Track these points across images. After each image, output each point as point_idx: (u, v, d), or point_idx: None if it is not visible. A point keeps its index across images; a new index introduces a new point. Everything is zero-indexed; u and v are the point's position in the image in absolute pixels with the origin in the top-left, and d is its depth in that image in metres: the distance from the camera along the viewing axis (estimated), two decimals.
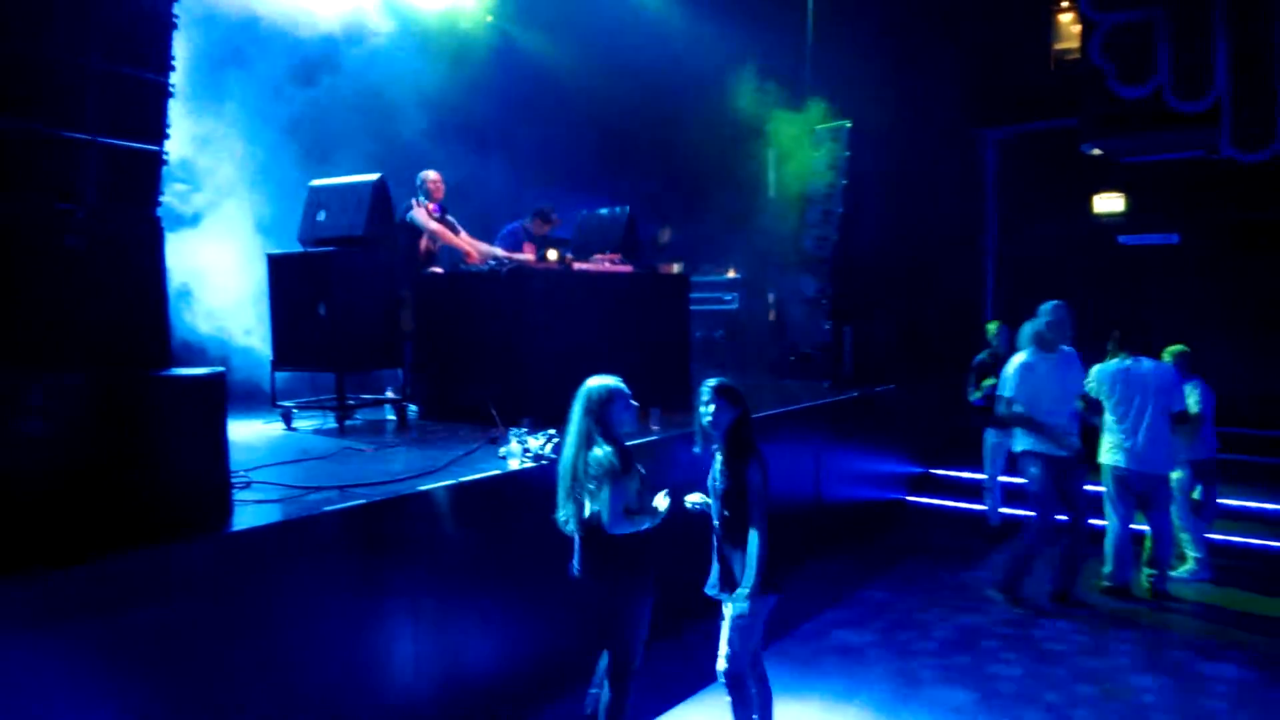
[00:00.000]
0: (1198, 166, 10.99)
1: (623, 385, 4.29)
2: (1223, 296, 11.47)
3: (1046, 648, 6.04)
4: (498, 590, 4.97)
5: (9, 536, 3.37)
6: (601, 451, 4.09)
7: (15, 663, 3.14)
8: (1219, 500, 7.59)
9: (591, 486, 4.09)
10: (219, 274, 7.85)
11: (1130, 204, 12.33)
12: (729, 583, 4.27)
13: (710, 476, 4.36)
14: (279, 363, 7.26)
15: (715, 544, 4.34)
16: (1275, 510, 8.50)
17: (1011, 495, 8.92)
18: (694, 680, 5.27)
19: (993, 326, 8.87)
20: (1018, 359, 6.75)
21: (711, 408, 4.27)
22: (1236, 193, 11.24)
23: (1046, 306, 6.71)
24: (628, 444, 4.34)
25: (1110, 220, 12.56)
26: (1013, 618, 6.58)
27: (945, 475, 10.27)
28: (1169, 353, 7.23)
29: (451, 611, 4.73)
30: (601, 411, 4.18)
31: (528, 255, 7.46)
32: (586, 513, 4.12)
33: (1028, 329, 6.86)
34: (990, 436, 8.73)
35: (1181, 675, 5.64)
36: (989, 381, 8.35)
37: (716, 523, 4.30)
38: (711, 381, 4.34)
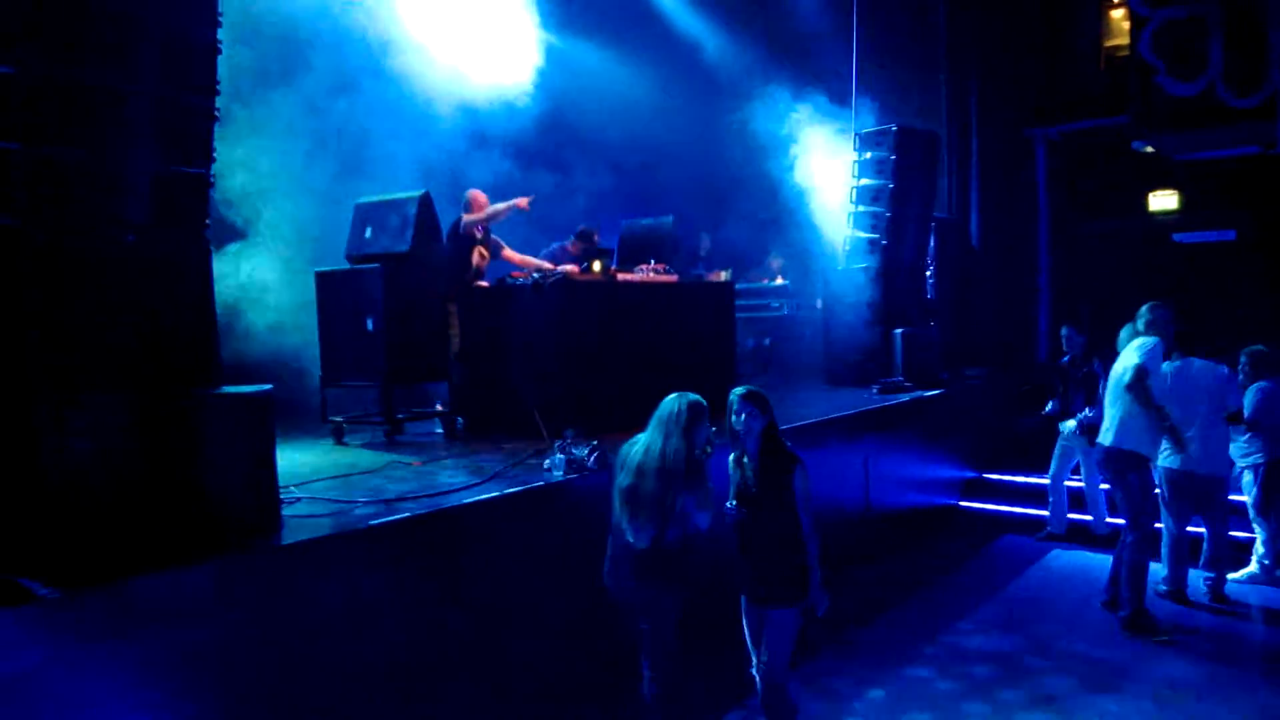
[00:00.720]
0: (1254, 162, 10.71)
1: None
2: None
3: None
4: (543, 597, 4.99)
5: (62, 553, 3.46)
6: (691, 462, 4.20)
7: (68, 678, 3.23)
8: None
9: (656, 494, 4.16)
10: (266, 290, 7.98)
11: (1185, 201, 12.05)
12: (768, 590, 4.30)
13: (740, 484, 4.37)
14: (328, 378, 7.37)
15: (748, 551, 4.35)
16: None
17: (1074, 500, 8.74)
18: (726, 695, 5.26)
19: (1064, 330, 8.65)
20: (1145, 346, 6.22)
21: (743, 415, 4.29)
22: None
23: (1144, 308, 6.40)
24: None
25: (1165, 218, 12.29)
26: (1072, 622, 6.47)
27: (999, 480, 10.10)
28: (1246, 352, 7.02)
29: (499, 619, 4.76)
30: (695, 426, 4.25)
31: (572, 267, 7.49)
32: (651, 525, 4.17)
33: (1127, 331, 6.65)
34: (1061, 440, 8.57)
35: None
36: (1049, 408, 8.44)
37: (751, 531, 4.31)
38: (739, 389, 4.38)
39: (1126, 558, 6.36)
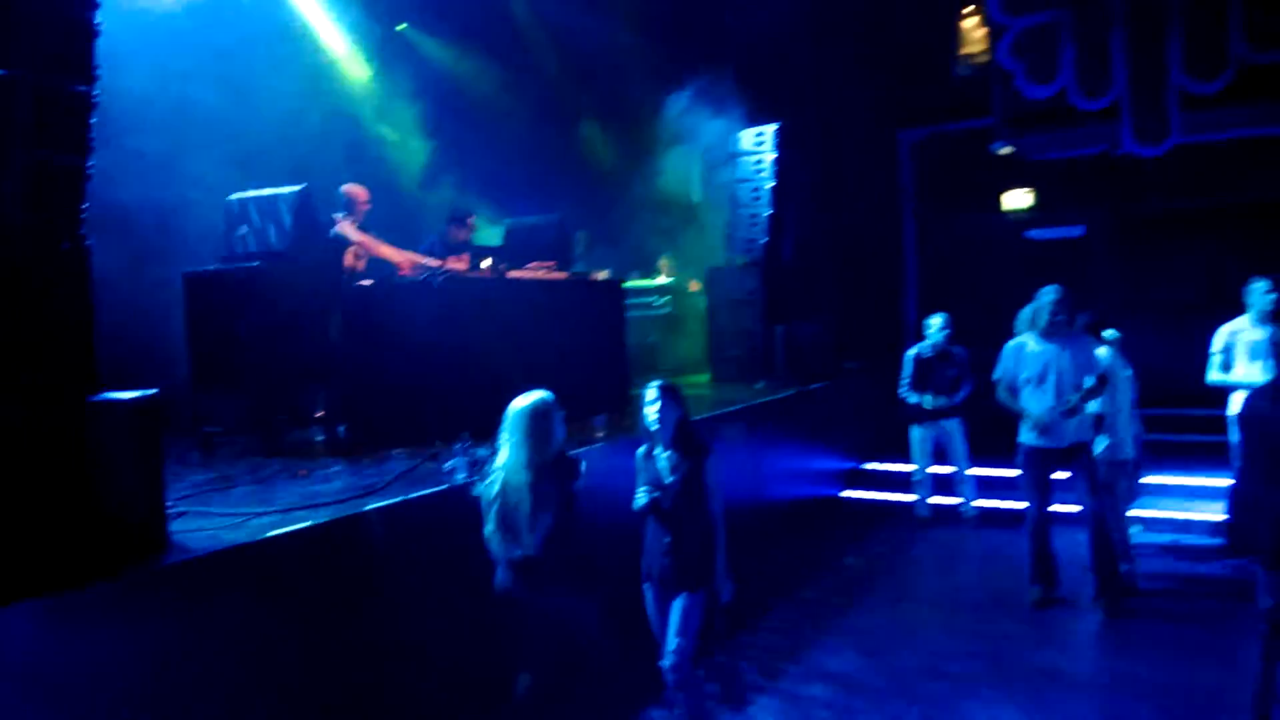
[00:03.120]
0: (1101, 162, 11.38)
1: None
2: (1126, 284, 11.90)
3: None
4: (452, 600, 4.84)
5: None
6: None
7: None
8: None
9: (527, 504, 4.11)
10: (129, 290, 7.41)
11: (1038, 199, 12.73)
12: (679, 576, 4.37)
13: (653, 474, 4.43)
14: (198, 385, 6.93)
15: (659, 540, 4.41)
16: None
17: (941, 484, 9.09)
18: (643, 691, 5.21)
19: (936, 320, 8.79)
20: (1015, 342, 6.55)
21: (657, 405, 4.42)
22: (1137, 185, 11.69)
23: (1043, 291, 6.47)
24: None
25: (1019, 216, 12.95)
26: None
27: (876, 470, 10.43)
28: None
29: (407, 623, 4.59)
30: (548, 425, 4.23)
31: (460, 265, 7.30)
32: (534, 528, 4.12)
33: (1024, 313, 6.80)
34: (915, 431, 8.91)
35: None
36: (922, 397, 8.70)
37: (663, 520, 4.38)
38: (655, 381, 4.53)
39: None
